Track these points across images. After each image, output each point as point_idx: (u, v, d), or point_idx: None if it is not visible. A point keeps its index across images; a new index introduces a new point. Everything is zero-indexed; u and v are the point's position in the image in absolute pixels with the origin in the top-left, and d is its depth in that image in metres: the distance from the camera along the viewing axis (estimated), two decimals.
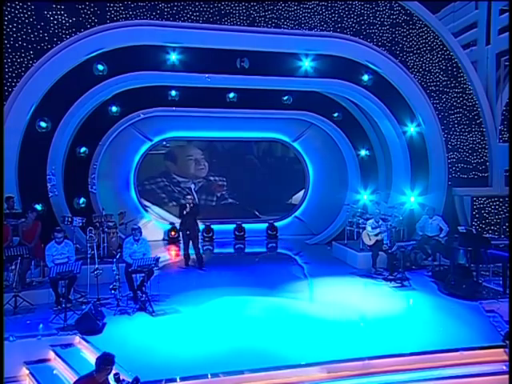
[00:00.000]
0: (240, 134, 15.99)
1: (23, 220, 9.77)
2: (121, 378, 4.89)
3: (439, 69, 13.10)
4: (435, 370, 6.70)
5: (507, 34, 12.67)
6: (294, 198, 16.67)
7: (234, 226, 15.90)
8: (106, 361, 4.96)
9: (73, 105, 11.44)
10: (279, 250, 14.98)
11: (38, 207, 10.96)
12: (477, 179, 13.22)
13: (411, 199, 12.83)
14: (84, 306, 8.38)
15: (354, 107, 14.82)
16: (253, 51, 11.99)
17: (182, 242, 13.07)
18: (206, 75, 12.07)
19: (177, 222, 14.94)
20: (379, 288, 10.18)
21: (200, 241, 12.95)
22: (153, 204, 15.64)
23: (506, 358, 6.85)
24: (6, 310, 8.21)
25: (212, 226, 15.60)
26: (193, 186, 15.53)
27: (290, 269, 12.41)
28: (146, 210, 15.52)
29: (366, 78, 12.68)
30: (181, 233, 12.23)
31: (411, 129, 13.04)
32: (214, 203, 16.13)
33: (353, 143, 15.48)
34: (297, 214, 16.60)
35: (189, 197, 11.94)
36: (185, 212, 11.55)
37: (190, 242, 11.84)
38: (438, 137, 13.04)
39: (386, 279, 10.58)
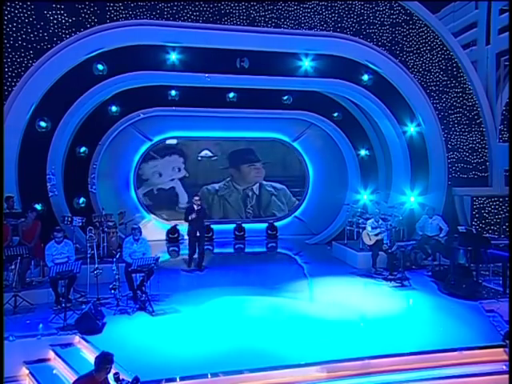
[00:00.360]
0: (240, 133, 16.00)
1: (23, 220, 9.76)
2: (120, 377, 4.89)
3: (439, 69, 13.11)
4: (435, 369, 6.69)
5: (507, 33, 12.67)
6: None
7: (234, 225, 15.91)
8: (105, 360, 4.97)
9: (73, 105, 11.44)
10: (279, 250, 14.97)
11: (38, 207, 10.97)
12: (477, 179, 13.23)
13: (411, 199, 12.83)
14: (84, 306, 8.37)
15: (353, 107, 14.82)
16: (253, 51, 11.99)
17: (185, 243, 12.97)
18: (206, 75, 12.07)
19: (178, 222, 15.04)
20: (379, 288, 10.17)
21: None
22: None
23: (505, 357, 6.84)
24: (6, 309, 8.21)
25: (212, 226, 15.60)
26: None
27: (289, 269, 12.41)
28: (150, 211, 15.55)
29: (365, 77, 12.68)
30: (188, 235, 11.78)
31: (411, 129, 13.04)
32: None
33: (353, 143, 15.49)
34: (297, 213, 16.61)
35: (196, 198, 11.66)
36: (194, 214, 11.23)
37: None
38: (438, 137, 13.04)
39: (385, 279, 10.57)
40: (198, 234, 11.48)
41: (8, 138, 10.48)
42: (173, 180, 15.88)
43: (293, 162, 16.72)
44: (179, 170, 15.93)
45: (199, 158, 16.11)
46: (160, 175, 15.78)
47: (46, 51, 10.78)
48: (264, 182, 16.51)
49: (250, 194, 16.46)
